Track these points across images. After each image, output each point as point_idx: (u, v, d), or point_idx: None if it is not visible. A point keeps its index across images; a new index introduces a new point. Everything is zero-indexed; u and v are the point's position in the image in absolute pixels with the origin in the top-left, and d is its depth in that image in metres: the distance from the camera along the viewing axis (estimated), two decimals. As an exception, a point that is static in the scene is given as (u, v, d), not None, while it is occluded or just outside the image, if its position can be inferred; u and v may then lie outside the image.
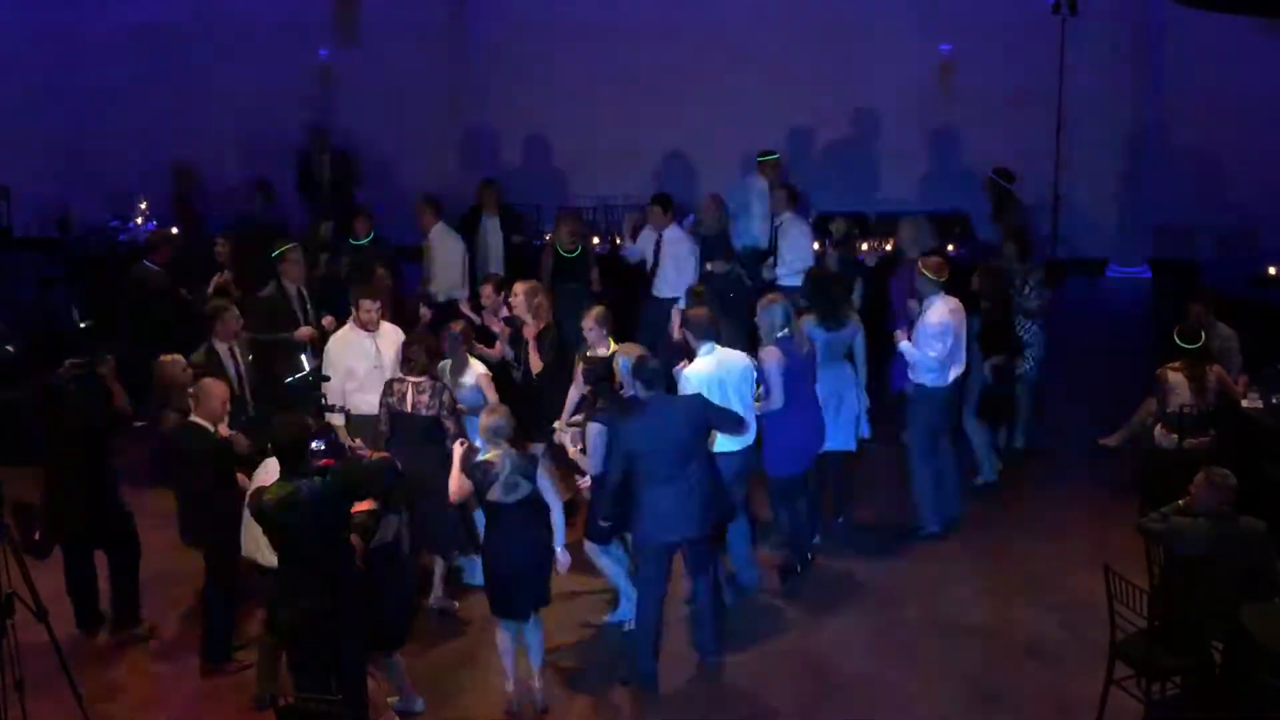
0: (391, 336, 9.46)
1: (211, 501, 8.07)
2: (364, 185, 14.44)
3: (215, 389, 8.20)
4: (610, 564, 8.57)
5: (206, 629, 8.38)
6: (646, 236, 11.97)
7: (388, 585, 7.41)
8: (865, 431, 9.57)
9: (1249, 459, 8.65)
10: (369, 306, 9.42)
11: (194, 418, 8.14)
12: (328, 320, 10.28)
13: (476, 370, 9.10)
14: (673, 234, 11.80)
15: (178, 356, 8.82)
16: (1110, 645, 7.44)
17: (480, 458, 7.64)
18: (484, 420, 7.70)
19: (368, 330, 9.41)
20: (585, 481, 8.34)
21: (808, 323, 9.12)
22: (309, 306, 10.43)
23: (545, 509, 7.67)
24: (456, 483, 7.73)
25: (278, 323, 10.20)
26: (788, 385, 8.70)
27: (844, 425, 9.34)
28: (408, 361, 8.68)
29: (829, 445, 9.29)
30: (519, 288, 9.60)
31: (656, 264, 11.81)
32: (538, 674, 7.87)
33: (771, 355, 8.70)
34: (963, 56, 14.85)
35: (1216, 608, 7.12)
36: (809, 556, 9.34)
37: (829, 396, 9.22)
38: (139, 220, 14.22)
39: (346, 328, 9.59)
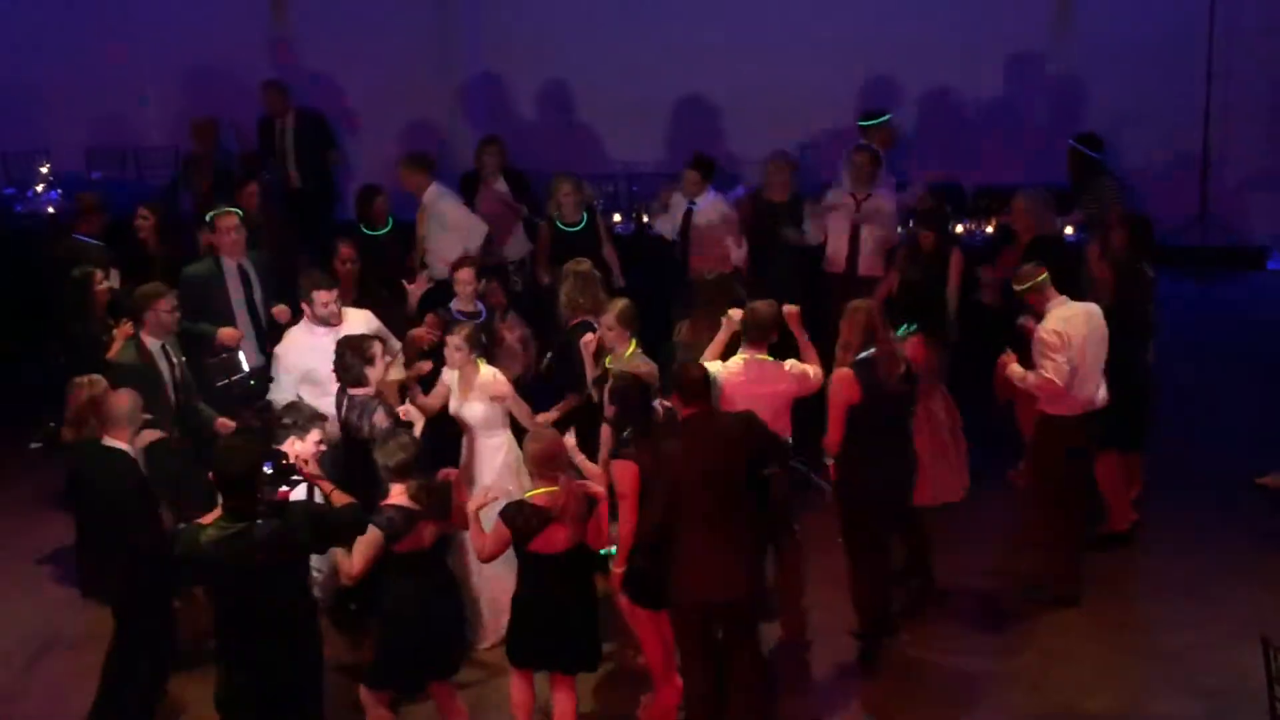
0: (361, 325, 9.54)
1: (127, 543, 8.07)
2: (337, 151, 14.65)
3: (119, 401, 8.24)
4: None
5: (100, 709, 8.33)
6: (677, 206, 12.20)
7: (426, 600, 7.58)
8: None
9: None
10: (324, 299, 9.53)
11: (107, 440, 8.18)
12: (279, 310, 10.29)
13: (491, 380, 9.07)
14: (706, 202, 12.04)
15: (97, 377, 8.76)
16: (1272, 740, 7.44)
17: (527, 495, 7.68)
18: (532, 447, 7.76)
19: (328, 325, 9.48)
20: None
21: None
22: (255, 289, 10.41)
23: (592, 555, 7.80)
24: (488, 540, 7.71)
25: (203, 308, 10.18)
26: (867, 420, 8.68)
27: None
28: (338, 370, 8.78)
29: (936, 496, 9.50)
30: (612, 308, 9.37)
31: (687, 240, 12.00)
32: None
33: (839, 382, 8.68)
34: (1087, -11, 14.79)
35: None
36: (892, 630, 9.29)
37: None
38: (39, 187, 14.24)
39: (300, 326, 9.68)
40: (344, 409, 8.81)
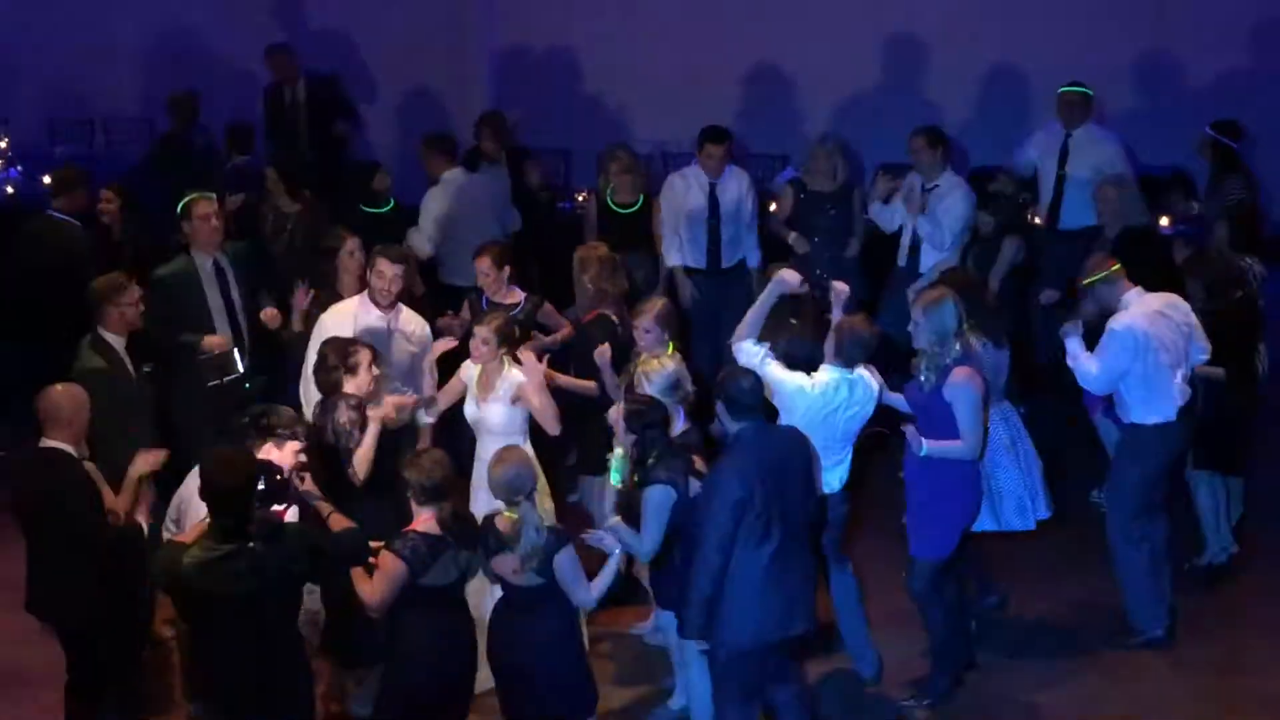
0: (413, 329, 9.64)
1: (79, 561, 8.05)
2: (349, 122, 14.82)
3: (64, 399, 8.14)
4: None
5: None
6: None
7: (440, 637, 7.52)
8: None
9: None
10: (391, 273, 9.50)
11: (47, 441, 8.10)
12: (269, 313, 10.37)
13: (513, 379, 9.05)
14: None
15: (71, 386, 8.63)
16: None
17: (503, 514, 7.61)
18: (495, 471, 7.67)
19: (380, 306, 9.54)
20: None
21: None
22: (232, 288, 10.45)
23: (564, 597, 7.68)
24: None
25: (178, 313, 10.22)
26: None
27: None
28: (315, 372, 8.76)
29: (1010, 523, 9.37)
30: (649, 307, 9.44)
31: (717, 220, 12.14)
32: None
33: (969, 380, 8.63)
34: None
35: None
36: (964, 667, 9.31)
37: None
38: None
39: (357, 298, 9.71)
40: (314, 413, 8.71)
